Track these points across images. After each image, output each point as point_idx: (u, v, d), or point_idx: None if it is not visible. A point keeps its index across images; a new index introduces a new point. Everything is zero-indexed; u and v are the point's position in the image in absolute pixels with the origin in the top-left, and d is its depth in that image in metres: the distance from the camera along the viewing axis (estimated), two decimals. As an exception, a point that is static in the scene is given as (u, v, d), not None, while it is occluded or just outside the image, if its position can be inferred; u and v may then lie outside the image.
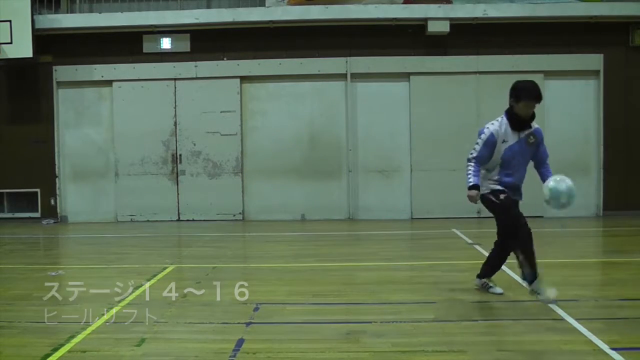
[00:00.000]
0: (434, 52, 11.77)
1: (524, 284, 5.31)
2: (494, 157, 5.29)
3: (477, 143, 5.33)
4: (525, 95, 5.15)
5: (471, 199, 5.31)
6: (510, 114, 5.27)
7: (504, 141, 5.25)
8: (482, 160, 5.32)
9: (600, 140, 11.66)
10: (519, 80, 5.38)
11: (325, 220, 11.62)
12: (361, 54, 11.76)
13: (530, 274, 5.12)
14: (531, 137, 5.30)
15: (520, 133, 5.26)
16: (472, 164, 5.32)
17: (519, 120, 5.23)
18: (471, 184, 5.27)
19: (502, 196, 5.28)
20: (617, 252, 8.31)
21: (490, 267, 5.72)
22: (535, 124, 5.33)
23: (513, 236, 5.24)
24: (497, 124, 5.29)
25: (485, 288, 5.68)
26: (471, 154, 5.35)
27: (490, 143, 5.26)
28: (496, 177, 5.33)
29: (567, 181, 5.02)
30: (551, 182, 5.06)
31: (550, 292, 5.09)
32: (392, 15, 11.53)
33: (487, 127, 5.32)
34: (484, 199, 5.40)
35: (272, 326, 4.83)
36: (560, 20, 11.55)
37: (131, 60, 11.94)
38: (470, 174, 5.30)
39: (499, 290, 5.62)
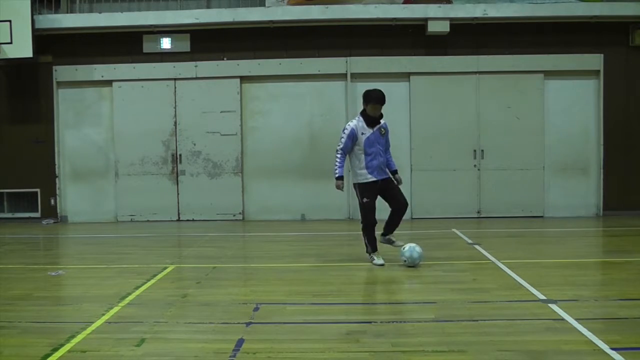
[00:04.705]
0: (434, 52, 11.76)
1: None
2: (358, 146, 6.85)
3: (342, 137, 6.92)
4: (372, 100, 6.77)
5: (338, 187, 7.00)
6: (364, 115, 6.88)
7: (362, 133, 6.85)
8: (347, 149, 6.91)
9: (600, 140, 11.65)
10: (368, 89, 6.96)
11: (325, 220, 11.62)
12: (361, 54, 11.76)
13: (370, 246, 7.11)
14: (382, 129, 6.94)
15: (374, 127, 6.87)
16: (339, 155, 6.94)
17: (370, 118, 6.86)
18: (337, 175, 6.93)
19: (365, 200, 6.91)
20: (617, 252, 8.30)
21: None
22: (382, 121, 6.95)
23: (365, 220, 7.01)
24: (355, 122, 6.91)
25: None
26: (339, 146, 6.94)
27: (352, 136, 6.86)
28: (364, 164, 6.85)
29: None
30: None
31: (379, 260, 7.01)
32: (392, 15, 11.53)
33: (349, 124, 6.95)
34: (355, 186, 7.05)
35: (272, 326, 4.82)
36: (560, 20, 11.54)
37: (131, 60, 11.94)
38: (337, 165, 6.94)
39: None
